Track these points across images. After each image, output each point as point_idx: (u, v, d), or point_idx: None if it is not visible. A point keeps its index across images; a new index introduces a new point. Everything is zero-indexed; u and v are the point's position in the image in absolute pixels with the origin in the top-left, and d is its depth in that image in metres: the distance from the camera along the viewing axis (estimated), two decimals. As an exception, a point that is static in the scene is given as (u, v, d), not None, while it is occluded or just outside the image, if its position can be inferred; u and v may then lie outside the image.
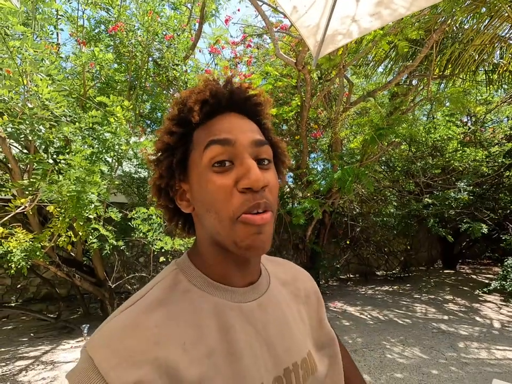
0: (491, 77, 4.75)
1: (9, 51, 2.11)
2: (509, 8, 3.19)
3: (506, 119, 7.06)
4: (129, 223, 3.21)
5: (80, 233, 2.87)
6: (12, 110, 2.47)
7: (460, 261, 8.85)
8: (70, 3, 4.08)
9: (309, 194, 5.06)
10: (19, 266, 2.54)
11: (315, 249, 5.78)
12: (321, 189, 4.70)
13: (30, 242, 2.57)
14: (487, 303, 5.06)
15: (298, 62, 3.72)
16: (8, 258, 2.50)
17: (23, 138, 2.90)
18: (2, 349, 3.31)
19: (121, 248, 3.29)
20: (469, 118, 7.44)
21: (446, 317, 4.41)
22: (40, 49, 2.31)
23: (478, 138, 6.87)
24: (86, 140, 2.90)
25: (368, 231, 7.17)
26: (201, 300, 0.43)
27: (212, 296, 0.43)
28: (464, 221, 5.68)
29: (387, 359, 3.09)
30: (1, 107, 2.37)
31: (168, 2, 4.94)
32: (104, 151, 2.99)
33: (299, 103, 4.68)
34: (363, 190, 6.27)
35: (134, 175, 4.70)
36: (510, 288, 4.81)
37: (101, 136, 3.03)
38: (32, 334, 3.78)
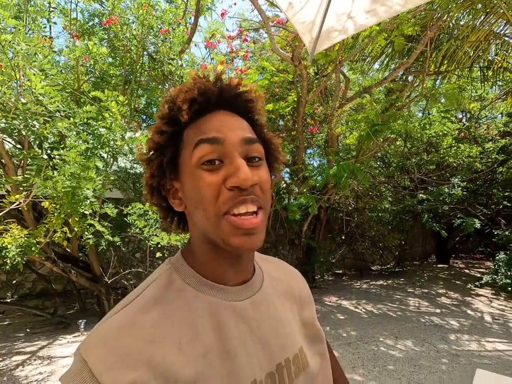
0: (486, 74, 4.78)
1: (1, 45, 2.08)
2: (504, 4, 3.21)
3: (500, 115, 7.12)
4: (125, 218, 3.21)
5: (76, 229, 2.86)
6: (5, 105, 2.44)
7: (453, 255, 8.98)
8: (62, -5, 4.01)
9: (305, 190, 5.08)
10: (14, 262, 2.54)
11: (311, 244, 5.83)
12: (317, 184, 4.73)
13: (25, 238, 2.56)
14: (479, 297, 5.16)
15: (295, 58, 3.71)
16: (3, 254, 2.49)
17: (16, 134, 2.88)
18: (-1, 344, 3.32)
19: (117, 243, 3.28)
20: (463, 114, 7.49)
21: (438, 310, 4.49)
22: (32, 43, 2.28)
23: (473, 134, 6.93)
24: (81, 135, 2.88)
25: (363, 226, 7.23)
26: (196, 299, 0.43)
27: (205, 295, 0.43)
28: (458, 216, 5.76)
29: (380, 351, 3.16)
30: (-6, 102, 2.35)
31: (163, -5, 4.86)
32: (99, 146, 2.97)
33: (295, 99, 4.67)
34: (358, 186, 6.31)
35: (129, 171, 4.68)
36: (501, 282, 4.90)
37: (95, 132, 3.00)
38: (28, 330, 3.78)
